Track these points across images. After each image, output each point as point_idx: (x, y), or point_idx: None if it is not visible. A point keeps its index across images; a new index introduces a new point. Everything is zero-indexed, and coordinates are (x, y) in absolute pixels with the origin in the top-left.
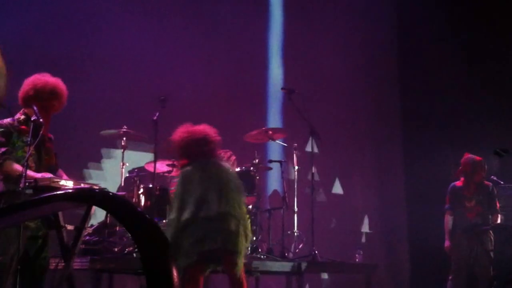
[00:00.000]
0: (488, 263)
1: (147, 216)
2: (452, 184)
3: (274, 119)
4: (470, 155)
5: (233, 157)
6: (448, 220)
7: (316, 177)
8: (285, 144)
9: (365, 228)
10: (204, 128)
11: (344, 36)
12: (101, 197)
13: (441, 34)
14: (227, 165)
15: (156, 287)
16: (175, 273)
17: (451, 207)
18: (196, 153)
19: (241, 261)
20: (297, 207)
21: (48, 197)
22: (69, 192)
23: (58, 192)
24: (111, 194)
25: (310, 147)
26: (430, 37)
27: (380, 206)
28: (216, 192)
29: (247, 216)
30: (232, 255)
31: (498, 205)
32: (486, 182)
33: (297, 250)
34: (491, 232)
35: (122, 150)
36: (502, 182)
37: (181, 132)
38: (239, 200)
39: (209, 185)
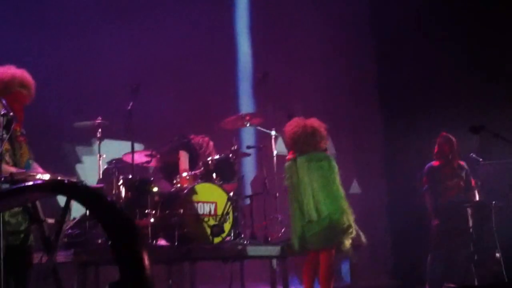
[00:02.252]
0: (468, 240)
1: (116, 205)
2: (429, 164)
3: (246, 104)
4: (446, 134)
5: (211, 143)
6: (430, 199)
7: None
8: (266, 130)
9: None
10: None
11: (318, 16)
12: (69, 187)
13: (418, 14)
14: None
15: (129, 277)
16: (147, 262)
17: (430, 187)
18: None
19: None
20: (277, 191)
21: (19, 189)
22: (38, 183)
23: (29, 184)
24: (80, 184)
25: None
26: (407, 18)
27: (360, 186)
28: None
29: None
30: None
31: (473, 182)
32: (461, 161)
33: (280, 234)
34: (469, 209)
35: (98, 141)
36: (481, 160)
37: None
38: None
39: None
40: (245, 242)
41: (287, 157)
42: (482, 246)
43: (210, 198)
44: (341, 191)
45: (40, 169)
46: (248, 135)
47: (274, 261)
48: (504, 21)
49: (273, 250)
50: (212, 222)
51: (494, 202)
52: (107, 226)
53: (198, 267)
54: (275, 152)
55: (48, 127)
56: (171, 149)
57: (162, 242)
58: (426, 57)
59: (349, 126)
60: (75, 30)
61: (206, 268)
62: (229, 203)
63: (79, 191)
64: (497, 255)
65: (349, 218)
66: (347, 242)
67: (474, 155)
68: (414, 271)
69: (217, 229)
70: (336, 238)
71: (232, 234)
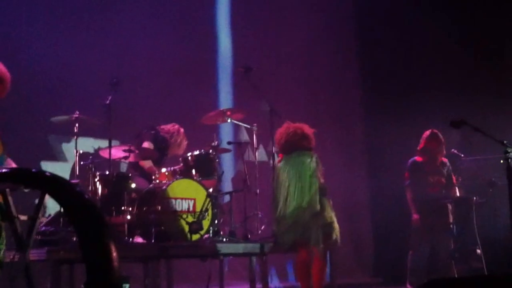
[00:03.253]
0: (449, 236)
1: (84, 195)
2: (412, 159)
3: (226, 99)
4: (433, 131)
5: (181, 130)
6: (411, 195)
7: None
8: (248, 126)
9: None
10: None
11: (300, 10)
12: (36, 177)
13: (402, 8)
14: None
15: (95, 270)
16: (114, 254)
17: (412, 183)
18: None
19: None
20: (258, 188)
21: None
22: (3, 172)
23: None
24: (47, 173)
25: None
26: (390, 11)
27: (342, 182)
28: None
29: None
30: None
31: (454, 178)
32: (444, 158)
33: (259, 232)
34: (450, 205)
35: (75, 137)
36: (462, 155)
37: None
38: None
39: None
40: (224, 240)
41: (277, 160)
42: (463, 242)
43: (189, 195)
44: (315, 186)
45: (14, 165)
46: (232, 131)
47: (254, 259)
48: (490, 14)
49: (253, 247)
50: (190, 219)
51: (475, 198)
52: (74, 220)
53: (176, 265)
54: (256, 148)
55: (23, 122)
56: (138, 141)
57: (138, 239)
58: (409, 51)
59: (331, 121)
60: (53, 22)
61: (183, 266)
62: (208, 200)
63: (46, 182)
64: (478, 251)
65: (312, 210)
66: (315, 237)
67: (455, 151)
68: (395, 268)
69: (196, 226)
70: (304, 232)
71: (210, 232)
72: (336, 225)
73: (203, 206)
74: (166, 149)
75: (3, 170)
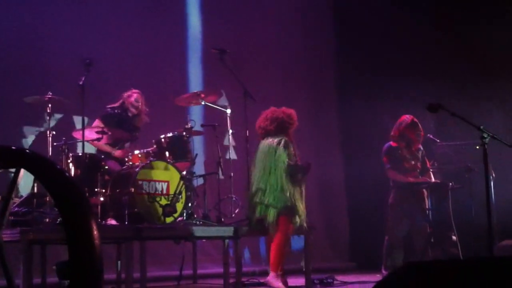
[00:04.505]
0: (425, 221)
1: (66, 173)
2: (388, 144)
3: (196, 81)
4: (408, 116)
5: (142, 97)
6: (397, 175)
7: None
8: (222, 108)
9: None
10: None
11: None
12: (17, 155)
13: None
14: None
15: (77, 248)
16: (95, 233)
17: (393, 166)
18: None
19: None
20: (232, 171)
21: None
22: None
23: None
24: (28, 151)
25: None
26: None
27: (317, 167)
28: None
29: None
30: None
31: (428, 163)
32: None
33: (233, 215)
34: (426, 190)
35: (48, 117)
36: (438, 140)
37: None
38: None
39: None
40: (197, 223)
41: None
42: (438, 227)
43: (162, 177)
44: (279, 169)
45: None
46: (205, 113)
47: (227, 242)
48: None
49: (226, 230)
50: (164, 201)
51: (451, 183)
52: (57, 197)
53: (149, 247)
54: (230, 131)
55: None
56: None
57: (112, 222)
58: (386, 33)
59: (305, 102)
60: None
61: (157, 249)
62: (181, 183)
63: (28, 159)
64: (454, 237)
65: (271, 192)
66: (271, 216)
67: (431, 136)
68: (371, 253)
69: (169, 209)
70: (264, 212)
71: (184, 214)
72: (299, 209)
73: (176, 188)
74: (134, 119)
75: None
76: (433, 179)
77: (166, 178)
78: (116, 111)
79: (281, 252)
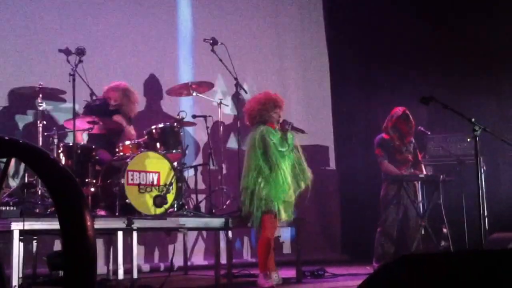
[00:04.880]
0: (416, 213)
1: (60, 163)
2: (380, 136)
3: (186, 72)
4: (400, 108)
5: (123, 89)
6: (389, 167)
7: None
8: (213, 100)
9: None
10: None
11: None
12: (10, 144)
13: None
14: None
15: (71, 239)
16: (89, 224)
17: (386, 158)
18: None
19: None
20: (223, 163)
21: None
22: None
23: None
24: (21, 141)
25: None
26: None
27: (310, 158)
28: None
29: None
30: None
31: (420, 156)
32: None
33: (224, 206)
34: (417, 183)
35: (38, 107)
36: (429, 133)
37: None
38: None
39: None
40: (188, 214)
41: None
42: (430, 220)
43: (153, 168)
44: (253, 162)
45: None
46: (193, 104)
47: (220, 233)
48: None
49: (218, 222)
50: (154, 192)
51: (442, 176)
52: (52, 187)
53: (140, 238)
54: (222, 123)
55: None
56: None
57: (101, 212)
58: (379, 24)
59: (298, 92)
60: None
61: (147, 240)
62: (172, 173)
63: (21, 149)
64: (444, 230)
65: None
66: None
67: (422, 128)
68: (363, 246)
69: (160, 200)
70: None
71: (175, 205)
72: (280, 205)
73: (167, 179)
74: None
75: None
76: (424, 172)
77: (157, 169)
78: (96, 102)
79: (265, 252)
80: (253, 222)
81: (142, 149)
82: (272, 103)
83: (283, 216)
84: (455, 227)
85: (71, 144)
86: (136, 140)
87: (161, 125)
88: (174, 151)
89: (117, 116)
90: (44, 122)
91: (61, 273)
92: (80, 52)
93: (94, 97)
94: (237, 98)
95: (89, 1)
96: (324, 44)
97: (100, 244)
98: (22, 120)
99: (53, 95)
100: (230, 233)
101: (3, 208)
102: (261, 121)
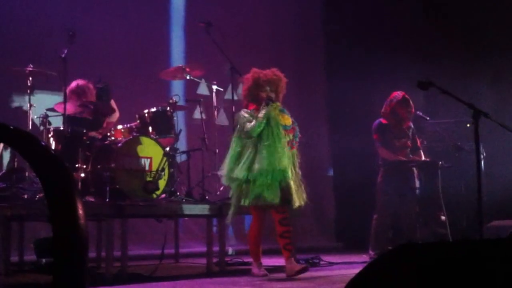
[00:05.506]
0: (413, 200)
1: (51, 149)
2: (378, 121)
3: (179, 54)
4: (404, 96)
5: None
6: (388, 152)
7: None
8: (206, 83)
9: None
10: None
11: None
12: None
13: None
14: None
15: (61, 226)
16: (80, 211)
17: (384, 143)
18: None
19: None
20: (217, 148)
21: None
22: None
23: None
24: (11, 126)
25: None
26: None
27: (303, 144)
28: None
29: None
30: None
31: (418, 141)
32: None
33: (218, 193)
34: (415, 168)
35: (28, 90)
36: (428, 118)
37: None
38: None
39: None
40: (180, 200)
41: None
42: (427, 207)
43: (145, 153)
44: (231, 147)
45: None
46: (182, 87)
47: (211, 221)
48: None
49: (210, 208)
50: (146, 178)
51: (440, 162)
52: (41, 173)
53: (130, 225)
54: (215, 107)
55: None
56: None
57: (91, 199)
58: (375, 9)
59: (293, 75)
60: None
61: (138, 227)
62: (165, 159)
63: (10, 134)
64: (443, 217)
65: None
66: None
67: (420, 113)
68: (358, 233)
69: (152, 186)
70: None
71: (167, 191)
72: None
73: (159, 165)
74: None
75: None
76: (423, 158)
77: (149, 154)
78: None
79: (254, 242)
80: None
81: (134, 134)
82: (258, 80)
83: (273, 199)
84: (453, 214)
85: (61, 128)
86: (128, 124)
87: (153, 109)
88: (166, 135)
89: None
90: (34, 105)
91: (44, 260)
92: (72, 34)
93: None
94: (232, 82)
95: None
96: (319, 26)
97: (89, 230)
98: (11, 103)
99: (44, 77)
100: (223, 220)
101: None
102: (253, 101)
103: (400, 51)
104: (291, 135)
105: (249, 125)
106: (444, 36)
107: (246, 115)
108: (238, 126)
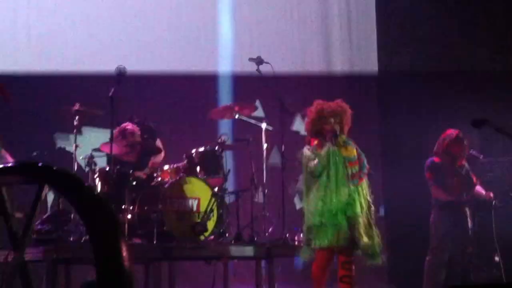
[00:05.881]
0: (467, 241)
1: (97, 194)
2: (431, 160)
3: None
4: (453, 131)
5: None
6: (442, 192)
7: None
8: (257, 123)
9: None
10: None
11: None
12: (43, 170)
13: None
14: None
15: (105, 269)
16: (125, 255)
17: (438, 181)
18: None
19: None
20: (266, 188)
21: None
22: (5, 165)
23: None
24: (55, 168)
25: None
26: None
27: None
28: None
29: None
30: None
31: (474, 178)
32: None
33: (266, 234)
34: (469, 209)
35: (75, 130)
36: (481, 156)
37: None
38: None
39: None
40: (230, 242)
41: None
42: (481, 248)
43: (193, 194)
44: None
45: (10, 157)
46: (240, 127)
47: (262, 262)
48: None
49: (259, 250)
50: (194, 219)
51: (494, 202)
52: (86, 215)
53: (178, 267)
54: (265, 146)
55: (21, 113)
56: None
57: (137, 240)
58: (431, 47)
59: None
60: (54, 8)
61: (187, 269)
62: (213, 199)
63: (54, 175)
64: (496, 258)
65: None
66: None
67: (474, 152)
68: (411, 275)
69: (200, 227)
70: None
71: (216, 233)
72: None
73: (208, 206)
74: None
75: (8, 164)
76: (483, 192)
77: (197, 194)
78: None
79: (314, 283)
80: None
81: (182, 174)
82: (322, 112)
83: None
84: (508, 256)
85: (107, 169)
86: (175, 165)
87: (201, 149)
88: (215, 176)
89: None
90: (80, 146)
91: None
92: (120, 73)
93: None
94: (281, 121)
95: (130, 24)
96: (374, 65)
97: (138, 273)
98: (58, 143)
99: (90, 117)
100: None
101: (36, 236)
102: (316, 135)
103: (456, 87)
104: (356, 167)
105: (312, 164)
106: (500, 71)
107: (309, 152)
108: (303, 166)
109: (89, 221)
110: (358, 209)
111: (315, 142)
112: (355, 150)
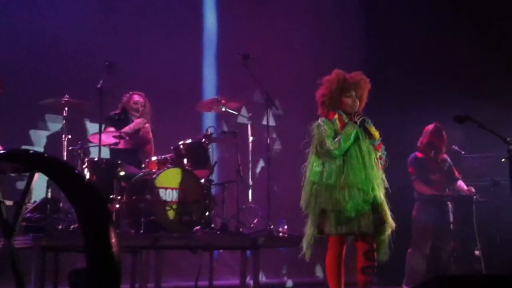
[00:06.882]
0: (449, 235)
1: (85, 178)
2: (414, 155)
3: (212, 86)
4: (436, 125)
5: (144, 99)
6: (423, 186)
7: (277, 146)
8: (243, 115)
9: None
10: None
11: None
12: (35, 157)
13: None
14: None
15: (95, 256)
16: (114, 241)
17: (420, 176)
18: None
19: None
20: (252, 180)
21: None
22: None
23: None
24: (46, 155)
25: (266, 118)
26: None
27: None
28: None
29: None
30: None
31: (456, 172)
32: (445, 155)
33: (252, 225)
34: (450, 203)
35: (63, 121)
36: (463, 152)
37: None
38: None
39: None
40: (215, 232)
41: None
42: (462, 242)
43: (180, 185)
44: (311, 168)
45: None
46: (226, 120)
47: (247, 252)
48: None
49: (244, 240)
50: (181, 210)
51: (475, 197)
52: (77, 202)
53: (165, 256)
54: (250, 139)
55: (12, 105)
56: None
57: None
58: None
59: None
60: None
61: (173, 258)
62: (200, 190)
63: (45, 162)
64: (477, 252)
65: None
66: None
67: (456, 148)
68: (391, 268)
69: (187, 218)
70: None
71: (202, 223)
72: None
73: (194, 197)
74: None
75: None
76: (465, 187)
77: (184, 185)
78: (117, 115)
79: (331, 274)
80: None
81: (169, 165)
82: (344, 83)
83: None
84: (488, 250)
85: (96, 159)
86: (163, 156)
87: (188, 141)
88: (201, 167)
89: (139, 119)
90: (69, 136)
91: None
92: (109, 66)
93: (112, 112)
94: (267, 114)
95: (116, 16)
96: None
97: (124, 261)
98: (47, 133)
99: (79, 108)
100: (258, 252)
101: (25, 224)
102: (334, 108)
103: (439, 84)
104: (379, 152)
105: (331, 143)
106: (481, 71)
107: (326, 127)
108: (315, 140)
109: (80, 208)
110: (382, 196)
111: (335, 116)
112: (377, 132)
